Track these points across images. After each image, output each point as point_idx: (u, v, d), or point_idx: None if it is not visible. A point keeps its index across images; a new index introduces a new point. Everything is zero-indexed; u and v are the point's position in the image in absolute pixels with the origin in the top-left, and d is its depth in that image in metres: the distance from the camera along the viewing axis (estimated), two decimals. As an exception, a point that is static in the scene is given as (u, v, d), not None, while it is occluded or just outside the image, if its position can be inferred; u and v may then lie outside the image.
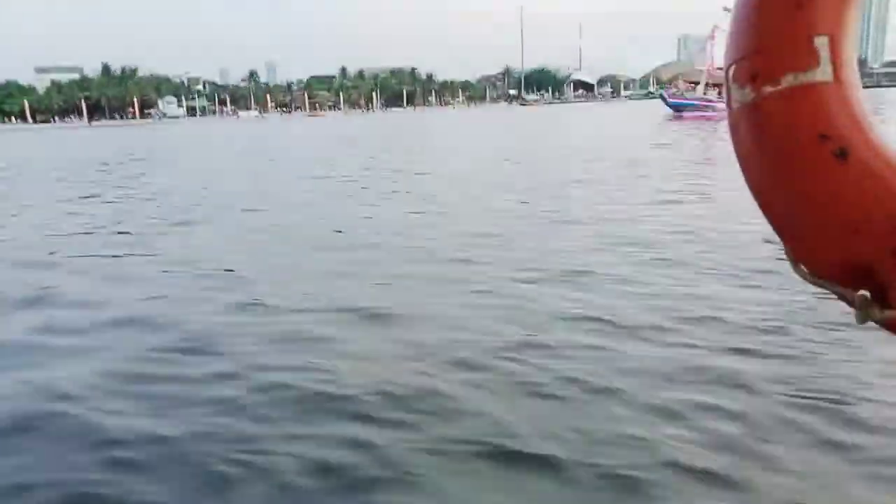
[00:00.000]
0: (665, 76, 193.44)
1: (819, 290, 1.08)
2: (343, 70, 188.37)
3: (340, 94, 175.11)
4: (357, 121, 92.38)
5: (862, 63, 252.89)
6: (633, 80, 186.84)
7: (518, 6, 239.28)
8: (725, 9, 49.19)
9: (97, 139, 56.90)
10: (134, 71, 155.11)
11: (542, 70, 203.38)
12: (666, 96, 49.81)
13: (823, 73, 1.00)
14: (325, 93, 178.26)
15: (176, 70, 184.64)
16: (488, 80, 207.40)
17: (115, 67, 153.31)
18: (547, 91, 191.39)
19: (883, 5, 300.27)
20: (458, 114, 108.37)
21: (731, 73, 1.09)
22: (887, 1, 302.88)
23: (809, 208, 1.04)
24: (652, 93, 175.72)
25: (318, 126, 71.07)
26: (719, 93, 46.25)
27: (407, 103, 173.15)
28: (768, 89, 1.02)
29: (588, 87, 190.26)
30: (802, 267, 1.09)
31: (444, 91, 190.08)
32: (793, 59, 1.01)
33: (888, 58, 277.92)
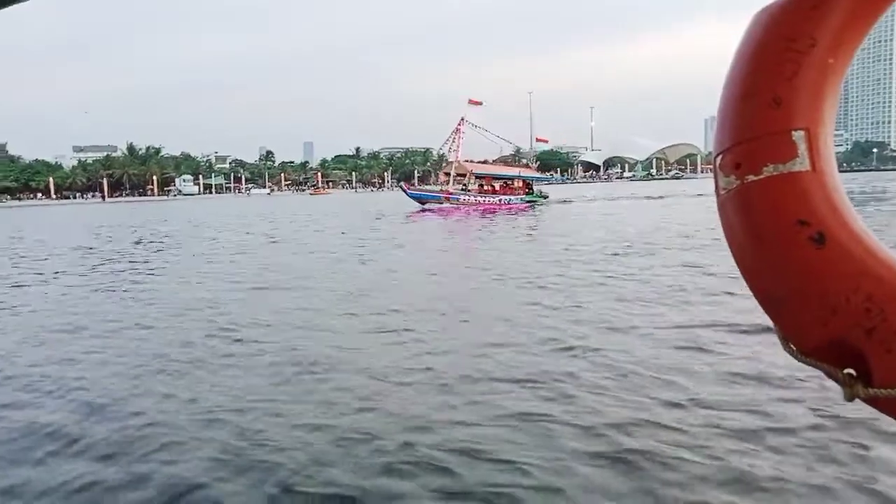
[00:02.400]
0: (672, 157, 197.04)
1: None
2: (357, 150, 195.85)
3: (354, 173, 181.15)
4: (349, 197, 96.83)
5: (884, 146, 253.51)
6: (640, 162, 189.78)
7: (528, 91, 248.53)
8: (471, 101, 49.08)
9: (82, 214, 61.45)
10: (158, 150, 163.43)
11: (552, 151, 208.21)
12: (405, 188, 47.67)
13: (801, 163, 1.06)
14: (339, 172, 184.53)
15: (217, 149, 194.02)
16: (503, 160, 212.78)
17: (142, 147, 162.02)
18: (556, 171, 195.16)
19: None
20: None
21: (717, 162, 1.17)
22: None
23: (792, 289, 1.07)
24: (651, 174, 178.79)
25: (305, 203, 77.65)
26: (464, 185, 44.41)
27: (419, 182, 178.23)
28: (751, 178, 1.09)
29: (595, 167, 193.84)
30: (791, 345, 1.12)
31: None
32: (773, 150, 1.08)
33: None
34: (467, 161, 47.94)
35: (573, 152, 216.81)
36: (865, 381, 1.03)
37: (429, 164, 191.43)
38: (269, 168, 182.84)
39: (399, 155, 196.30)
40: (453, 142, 47.13)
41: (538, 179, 50.11)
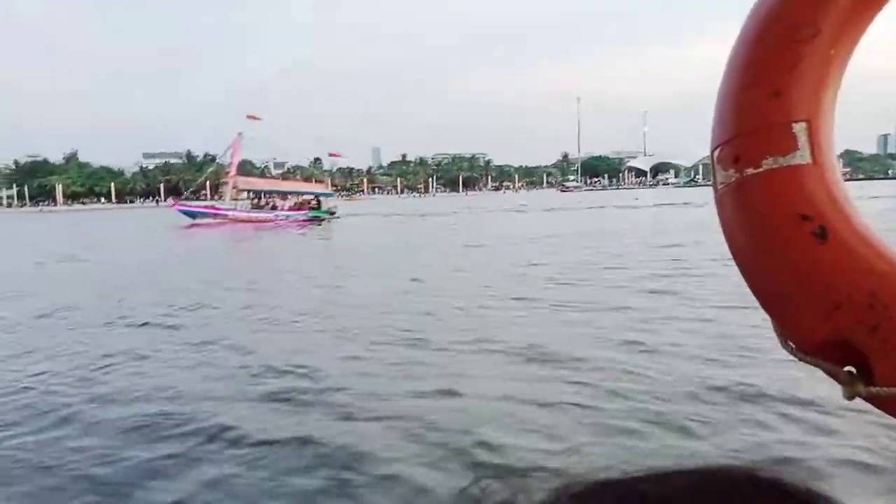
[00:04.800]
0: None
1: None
2: (404, 156, 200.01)
3: (399, 179, 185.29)
4: (379, 204, 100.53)
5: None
6: (686, 168, 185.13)
7: (576, 97, 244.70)
8: (249, 116, 47.33)
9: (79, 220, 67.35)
10: (213, 157, 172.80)
11: (600, 157, 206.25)
12: (173, 203, 46.22)
13: (802, 156, 1.05)
14: (385, 177, 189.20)
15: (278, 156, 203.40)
16: (555, 166, 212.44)
17: (199, 154, 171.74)
18: (604, 177, 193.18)
19: None
20: (489, 197, 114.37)
21: (715, 155, 1.15)
22: None
23: (792, 286, 1.06)
24: (695, 181, 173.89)
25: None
26: (253, 199, 42.72)
27: (463, 188, 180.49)
28: (750, 171, 1.07)
29: (643, 173, 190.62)
30: (790, 343, 1.11)
31: (502, 177, 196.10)
32: (773, 143, 1.06)
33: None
34: (241, 175, 46.37)
35: (629, 156, 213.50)
36: (866, 380, 1.02)
37: (474, 169, 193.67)
38: (321, 173, 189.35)
39: (446, 161, 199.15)
40: (230, 156, 45.75)
41: (324, 195, 47.62)
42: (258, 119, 50.11)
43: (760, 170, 1.07)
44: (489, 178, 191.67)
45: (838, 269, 1.02)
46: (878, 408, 1.04)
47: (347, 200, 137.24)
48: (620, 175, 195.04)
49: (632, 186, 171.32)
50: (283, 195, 45.20)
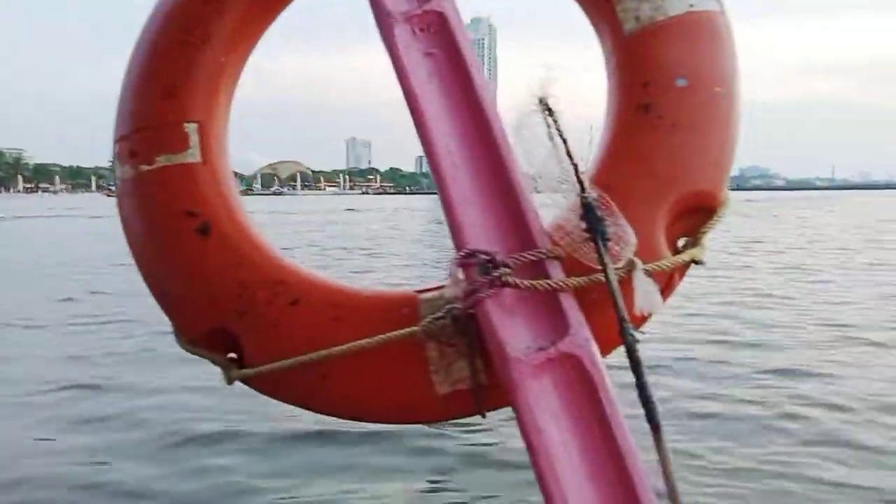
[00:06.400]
0: (283, 173, 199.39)
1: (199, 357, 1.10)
2: None
3: None
4: None
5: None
6: (246, 177, 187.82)
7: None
8: None
9: None
10: None
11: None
12: None
13: (193, 155, 1.10)
14: None
15: None
16: (110, 169, 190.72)
17: None
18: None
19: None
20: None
21: (116, 150, 1.17)
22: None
23: (178, 280, 1.10)
24: (253, 189, 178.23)
25: None
26: None
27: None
28: (145, 168, 1.11)
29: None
30: (182, 338, 1.14)
31: (41, 177, 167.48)
32: (165, 141, 1.10)
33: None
34: None
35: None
36: (242, 364, 1.08)
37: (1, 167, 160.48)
38: None
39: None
40: None
41: None
42: None
43: (153, 167, 1.11)
44: (22, 177, 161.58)
45: (217, 263, 1.08)
46: (253, 388, 1.10)
47: None
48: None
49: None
50: None
